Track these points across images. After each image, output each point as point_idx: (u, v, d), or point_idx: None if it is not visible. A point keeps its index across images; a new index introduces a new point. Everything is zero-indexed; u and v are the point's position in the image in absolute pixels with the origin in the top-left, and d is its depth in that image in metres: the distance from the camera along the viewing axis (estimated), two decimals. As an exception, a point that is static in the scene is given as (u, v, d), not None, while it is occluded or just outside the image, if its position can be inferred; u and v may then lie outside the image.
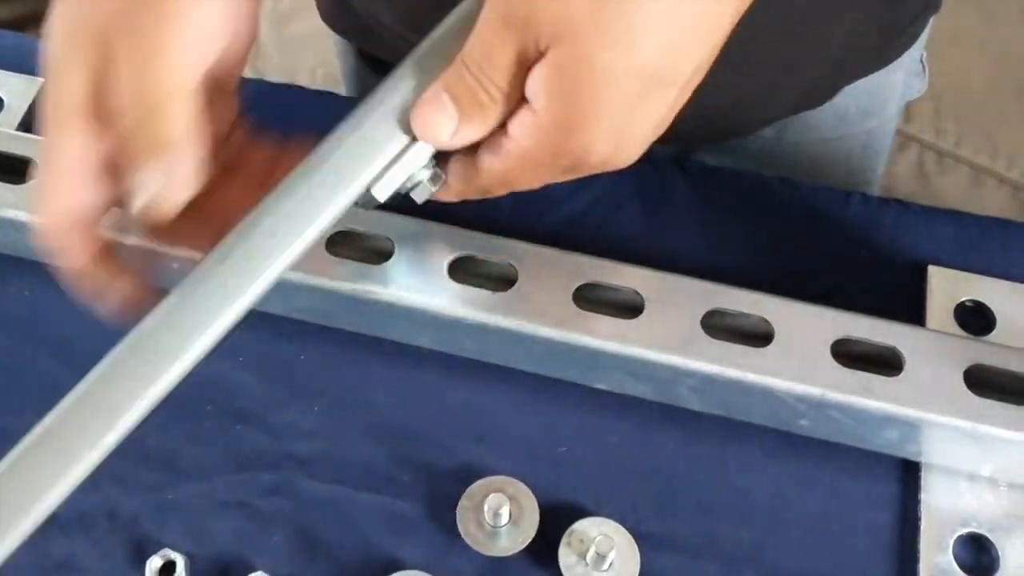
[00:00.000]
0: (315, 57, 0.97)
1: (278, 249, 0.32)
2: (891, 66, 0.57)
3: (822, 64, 0.53)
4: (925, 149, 1.05)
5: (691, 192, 0.49)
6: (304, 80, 1.01)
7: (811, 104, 0.56)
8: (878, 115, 0.61)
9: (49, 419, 0.31)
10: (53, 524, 0.39)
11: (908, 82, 0.62)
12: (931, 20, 0.59)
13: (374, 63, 0.68)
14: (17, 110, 0.49)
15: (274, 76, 1.02)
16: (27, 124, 0.49)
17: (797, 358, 0.39)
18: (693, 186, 0.49)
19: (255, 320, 0.43)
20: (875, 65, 0.57)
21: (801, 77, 0.53)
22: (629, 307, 0.40)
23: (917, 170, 1.05)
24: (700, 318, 0.39)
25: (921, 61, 0.64)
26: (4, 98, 0.49)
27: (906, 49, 0.57)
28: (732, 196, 0.49)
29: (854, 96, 0.57)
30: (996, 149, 1.04)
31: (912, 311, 0.45)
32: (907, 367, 0.39)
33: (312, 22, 1.02)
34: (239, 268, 0.32)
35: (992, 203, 1.05)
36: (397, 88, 0.32)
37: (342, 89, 0.76)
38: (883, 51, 0.56)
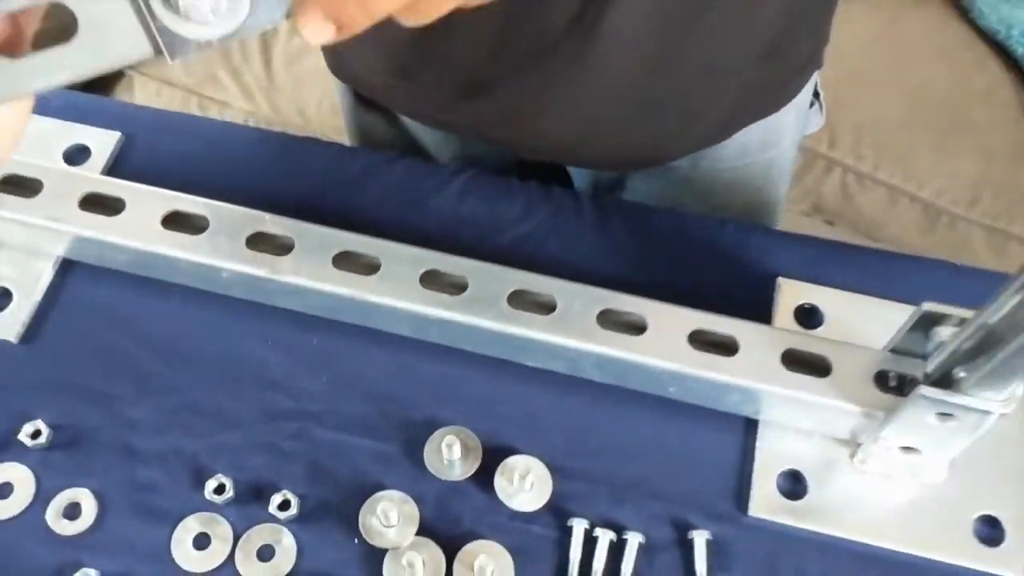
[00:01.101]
0: (321, 91, 1.13)
1: None
2: (783, 110, 0.73)
3: (721, 111, 0.69)
4: (847, 172, 1.20)
5: (599, 220, 0.64)
6: (312, 110, 1.15)
7: (717, 140, 0.72)
8: (775, 147, 0.76)
9: None
10: (138, 459, 0.56)
11: (802, 120, 0.78)
12: (815, 75, 0.75)
13: (368, 102, 0.83)
14: (100, 158, 0.65)
15: (287, 108, 1.17)
16: (109, 170, 0.64)
17: (664, 344, 0.55)
18: (601, 216, 0.64)
19: (281, 313, 0.59)
20: (767, 111, 0.72)
21: (706, 121, 0.69)
22: (547, 307, 0.56)
23: (841, 190, 1.21)
24: (596, 315, 0.55)
25: (819, 100, 0.80)
26: (91, 147, 0.65)
27: (792, 97, 0.73)
28: (631, 223, 0.64)
29: (754, 133, 0.73)
30: (908, 172, 1.19)
31: (765, 312, 0.61)
32: (741, 350, 0.54)
33: (318, 61, 1.17)
34: None
35: (905, 219, 1.20)
36: None
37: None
38: (769, 102, 0.72)
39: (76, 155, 0.65)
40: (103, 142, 0.65)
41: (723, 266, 0.63)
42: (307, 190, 0.64)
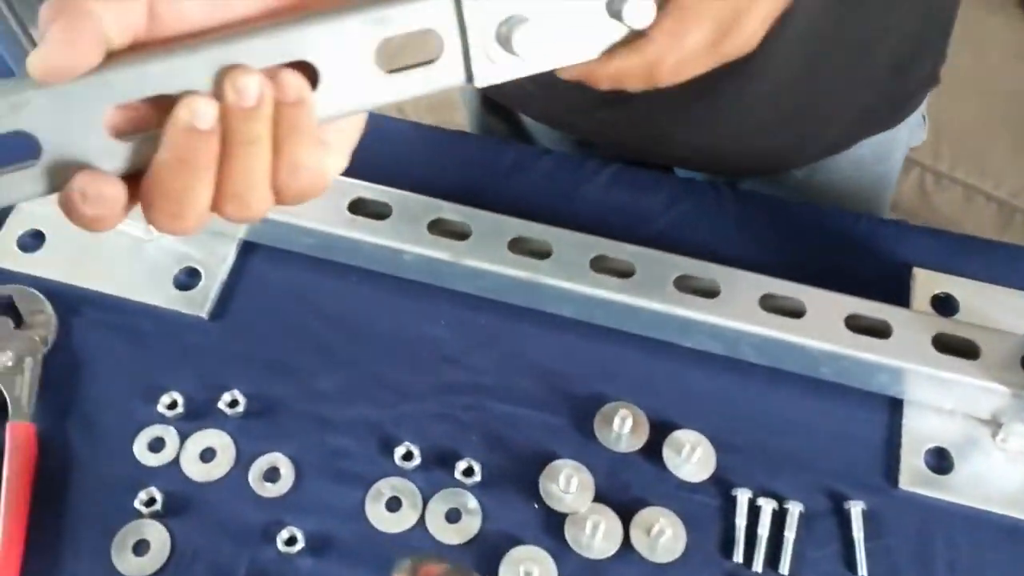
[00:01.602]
0: (420, 86, 1.16)
1: None
2: (898, 126, 0.76)
3: (844, 124, 0.72)
4: (925, 171, 1.23)
5: (741, 212, 0.68)
6: (409, 107, 1.19)
7: (838, 151, 0.76)
8: (887, 161, 0.80)
9: None
10: (329, 427, 0.60)
11: (911, 134, 0.81)
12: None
13: (494, 104, 0.86)
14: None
15: (386, 101, 1.21)
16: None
17: (821, 327, 0.58)
18: (742, 208, 0.68)
19: (451, 294, 0.63)
20: (885, 126, 0.76)
21: (828, 132, 0.73)
22: (710, 292, 0.60)
23: (919, 189, 1.24)
24: (758, 300, 0.59)
25: (923, 116, 0.83)
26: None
27: (910, 113, 0.77)
28: (770, 215, 0.68)
29: (869, 147, 0.76)
30: (984, 171, 1.23)
31: (902, 300, 0.65)
32: (894, 335, 0.58)
33: (419, 56, 1.21)
34: None
35: (981, 217, 1.24)
36: None
37: (448, 115, 0.93)
38: (891, 116, 0.76)
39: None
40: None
41: (860, 256, 0.66)
42: (462, 180, 0.68)
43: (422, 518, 0.57)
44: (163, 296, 0.63)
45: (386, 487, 0.58)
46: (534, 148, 0.71)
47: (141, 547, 0.56)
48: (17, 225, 0.66)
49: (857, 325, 0.59)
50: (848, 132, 0.74)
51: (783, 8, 0.43)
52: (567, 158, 0.70)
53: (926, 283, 0.65)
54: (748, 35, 0.42)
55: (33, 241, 0.65)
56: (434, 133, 0.72)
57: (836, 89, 0.69)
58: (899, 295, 0.64)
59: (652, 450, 0.59)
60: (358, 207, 0.62)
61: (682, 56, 0.41)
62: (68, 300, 0.63)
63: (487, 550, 0.56)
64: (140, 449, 0.58)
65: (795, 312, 0.59)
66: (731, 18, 0.41)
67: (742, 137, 0.71)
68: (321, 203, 0.61)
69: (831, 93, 0.69)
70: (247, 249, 0.65)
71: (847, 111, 0.71)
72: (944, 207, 1.22)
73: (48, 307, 0.62)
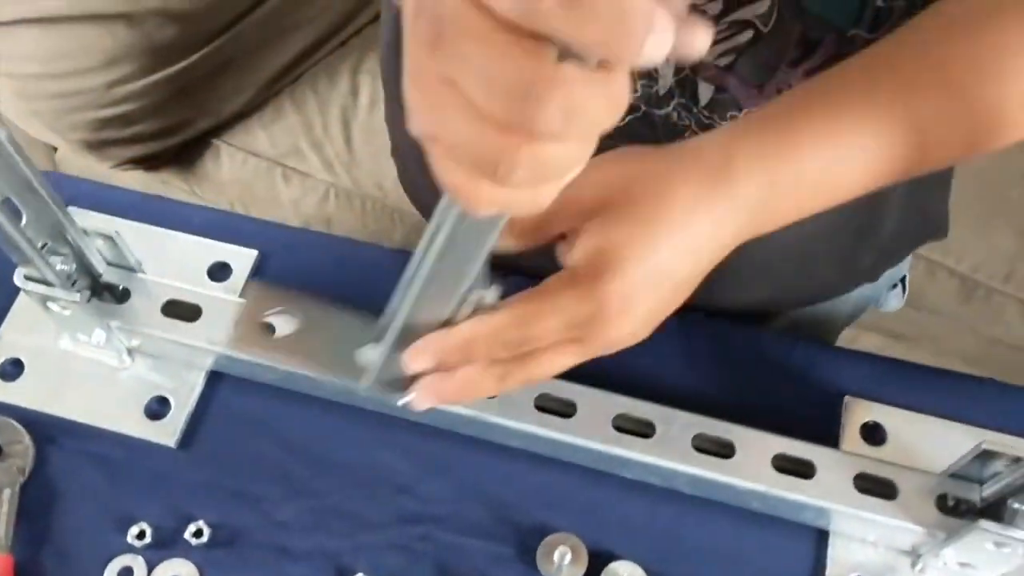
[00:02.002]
0: (399, 165, 1.21)
1: None
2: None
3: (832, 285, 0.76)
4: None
5: (683, 336, 0.72)
6: (390, 184, 1.23)
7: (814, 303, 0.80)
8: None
9: None
10: (289, 557, 0.63)
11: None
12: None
13: None
14: (241, 274, 0.73)
15: (366, 180, 1.24)
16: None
17: (750, 467, 0.62)
18: (684, 332, 0.72)
19: (406, 423, 0.67)
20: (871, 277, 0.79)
21: (812, 288, 0.77)
22: (646, 432, 0.63)
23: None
24: (691, 439, 0.63)
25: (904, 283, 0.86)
26: (231, 264, 0.73)
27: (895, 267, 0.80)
28: (712, 339, 0.72)
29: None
30: (947, 247, 1.26)
31: (833, 427, 0.68)
32: (818, 475, 0.62)
33: (396, 137, 1.24)
34: None
35: (943, 291, 1.27)
36: None
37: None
38: (875, 273, 0.79)
39: (219, 271, 0.73)
40: (242, 259, 0.73)
41: (795, 382, 0.70)
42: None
43: (373, 650, 0.61)
44: (134, 425, 0.67)
45: (339, 619, 0.61)
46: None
47: None
48: (-2, 354, 0.70)
49: (783, 466, 0.62)
50: (831, 287, 0.78)
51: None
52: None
53: (856, 411, 0.69)
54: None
55: (13, 369, 0.69)
56: (392, 255, 0.76)
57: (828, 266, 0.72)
58: (830, 422, 0.68)
59: (591, 580, 0.63)
60: (318, 345, 0.66)
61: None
62: (45, 429, 0.67)
63: None
64: (110, 578, 0.62)
65: (726, 451, 0.63)
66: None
67: (724, 293, 0.66)
68: (286, 340, 0.66)
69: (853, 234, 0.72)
70: (214, 378, 0.69)
71: (836, 276, 0.75)
72: (936, 298, 1.26)
73: (26, 437, 0.66)
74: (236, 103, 1.24)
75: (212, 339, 0.65)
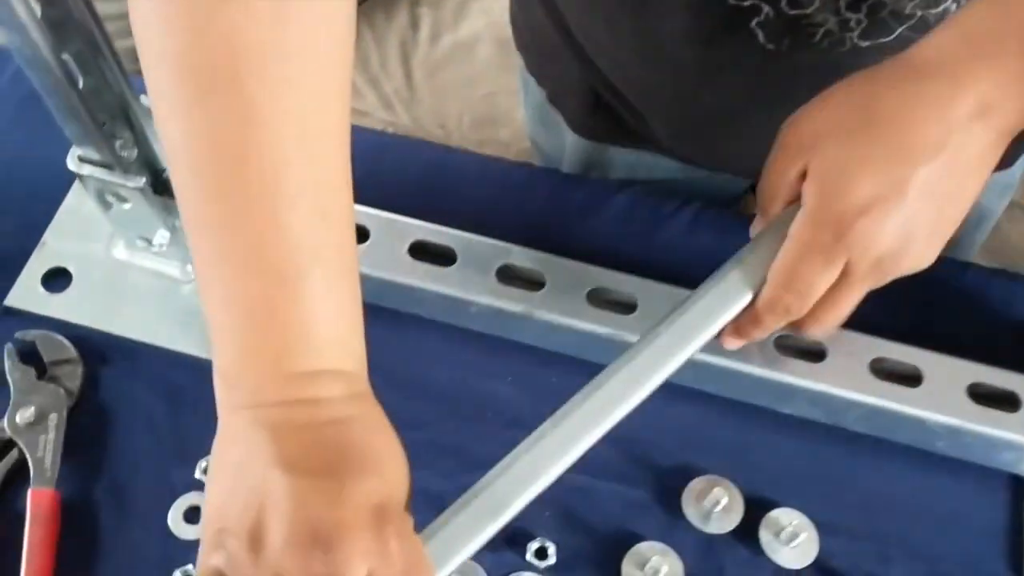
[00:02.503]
0: (462, 104, 1.11)
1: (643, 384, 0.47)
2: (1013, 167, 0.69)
3: None
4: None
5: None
6: (452, 123, 1.13)
7: None
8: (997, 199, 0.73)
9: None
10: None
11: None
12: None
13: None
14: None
15: (427, 119, 1.15)
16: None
17: (940, 397, 0.52)
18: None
19: (519, 348, 0.57)
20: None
21: None
22: (815, 354, 0.53)
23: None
24: (868, 364, 0.53)
25: None
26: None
27: None
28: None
29: None
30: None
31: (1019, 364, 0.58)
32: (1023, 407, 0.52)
33: (461, 72, 1.15)
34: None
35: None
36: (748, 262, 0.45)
37: (491, 133, 0.85)
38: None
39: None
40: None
41: (970, 312, 0.60)
42: (529, 219, 0.62)
43: (489, 606, 0.51)
44: (203, 345, 0.57)
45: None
46: (604, 184, 0.65)
47: (176, 634, 0.50)
48: (41, 262, 0.60)
49: (981, 395, 0.52)
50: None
51: None
52: (642, 198, 0.64)
53: (1046, 342, 0.58)
54: None
55: (58, 280, 0.60)
56: (496, 165, 0.66)
57: None
58: (1017, 357, 0.58)
59: (747, 531, 0.53)
60: (420, 251, 0.56)
61: None
62: (97, 348, 0.57)
63: (563, 645, 0.50)
64: (175, 520, 0.52)
65: (910, 379, 0.53)
66: None
67: None
68: (379, 245, 0.56)
69: None
70: (294, 293, 0.59)
71: None
72: (1019, 240, 1.16)
73: (75, 355, 0.56)
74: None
75: (296, 242, 0.56)
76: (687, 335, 0.47)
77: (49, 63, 0.45)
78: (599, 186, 0.65)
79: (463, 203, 0.62)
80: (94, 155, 0.52)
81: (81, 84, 0.48)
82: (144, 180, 0.52)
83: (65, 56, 0.46)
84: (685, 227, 0.62)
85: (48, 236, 0.60)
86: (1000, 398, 0.52)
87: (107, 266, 0.60)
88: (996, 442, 0.52)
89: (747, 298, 0.45)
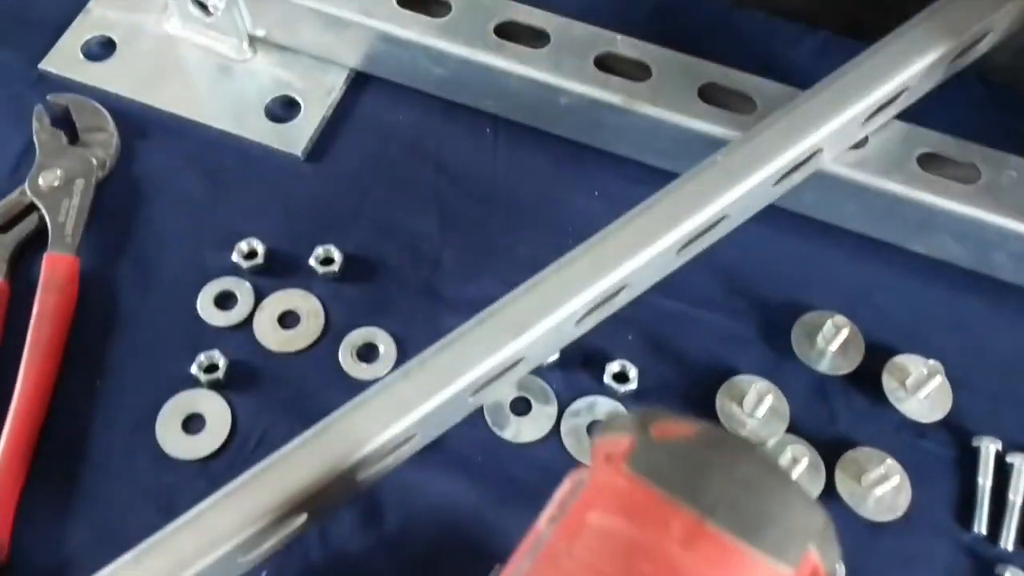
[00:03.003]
0: None
1: None
2: None
3: None
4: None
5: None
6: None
7: None
8: None
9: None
10: (443, 305, 0.47)
11: None
12: None
13: None
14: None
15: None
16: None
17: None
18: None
19: (607, 160, 0.50)
20: None
21: None
22: (965, 177, 0.45)
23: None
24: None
25: None
26: None
27: None
28: None
29: None
30: None
31: None
32: None
33: None
34: None
35: None
36: None
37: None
38: None
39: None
40: None
41: None
42: (628, 6, 0.54)
43: (556, 428, 0.43)
44: (252, 127, 0.51)
45: (513, 386, 0.44)
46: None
47: (194, 423, 0.43)
48: (84, 29, 0.54)
49: None
50: None
51: None
52: (767, 19, 0.56)
53: None
54: None
55: (101, 50, 0.53)
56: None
57: None
58: None
59: (867, 376, 0.45)
60: (507, 31, 0.48)
61: None
62: (135, 120, 0.51)
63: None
64: (204, 304, 0.46)
65: (1082, 213, 0.44)
66: None
67: None
68: (461, 20, 0.49)
69: None
70: (359, 81, 0.52)
71: None
72: None
73: (111, 124, 0.50)
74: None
75: (372, 11, 0.48)
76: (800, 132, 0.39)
77: None
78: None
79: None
80: None
81: None
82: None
83: None
84: (814, 51, 0.54)
85: (93, 3, 0.54)
86: None
87: (156, 38, 0.53)
88: None
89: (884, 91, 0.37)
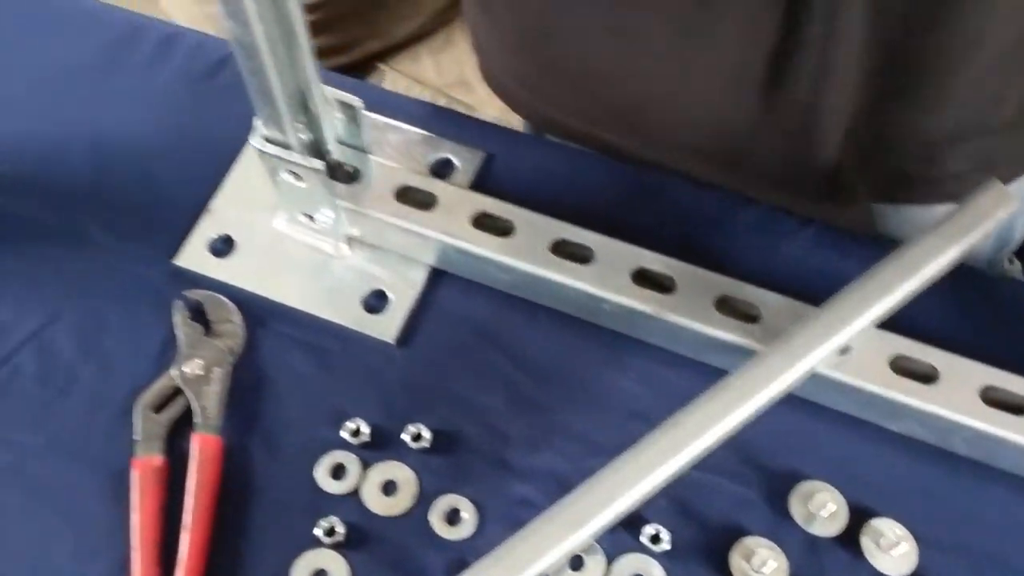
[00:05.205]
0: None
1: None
2: None
3: None
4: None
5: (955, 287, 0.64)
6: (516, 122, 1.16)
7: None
8: None
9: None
10: (513, 473, 0.58)
11: None
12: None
13: None
14: (465, 174, 0.67)
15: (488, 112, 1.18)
16: (472, 186, 0.67)
17: (1048, 428, 0.55)
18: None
19: (644, 347, 0.61)
20: None
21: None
22: (928, 377, 0.56)
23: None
24: (979, 391, 0.56)
25: None
26: (455, 162, 0.68)
27: None
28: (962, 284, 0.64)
29: None
30: None
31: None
32: None
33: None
34: None
35: None
36: None
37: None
38: None
39: (442, 168, 0.67)
40: (468, 158, 0.67)
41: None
42: (655, 224, 0.66)
43: (604, 580, 0.55)
44: (351, 316, 0.62)
45: (570, 544, 0.56)
46: (737, 198, 0.68)
47: (320, 579, 0.55)
48: (209, 228, 0.65)
49: (1089, 430, 0.55)
50: None
51: None
52: (771, 211, 0.67)
53: None
54: None
55: (223, 246, 0.65)
56: (637, 173, 0.69)
57: None
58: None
59: (849, 537, 0.56)
60: (560, 248, 0.60)
61: None
62: (256, 311, 0.63)
63: (673, 624, 0.54)
64: (322, 474, 0.57)
65: (1020, 408, 0.55)
66: None
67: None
68: (523, 241, 0.60)
69: None
70: (437, 276, 0.64)
71: None
72: None
73: (237, 316, 0.62)
74: (409, 27, 1.19)
75: (448, 230, 0.60)
76: (811, 347, 0.50)
77: (260, 49, 0.50)
78: (730, 201, 0.68)
79: (597, 205, 0.66)
80: (277, 135, 0.56)
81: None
82: (322, 163, 0.57)
83: (272, 44, 0.51)
84: (806, 244, 0.66)
85: (215, 204, 0.66)
86: (1105, 435, 0.55)
87: (268, 236, 0.65)
88: (1098, 476, 0.54)
89: (869, 319, 0.49)
